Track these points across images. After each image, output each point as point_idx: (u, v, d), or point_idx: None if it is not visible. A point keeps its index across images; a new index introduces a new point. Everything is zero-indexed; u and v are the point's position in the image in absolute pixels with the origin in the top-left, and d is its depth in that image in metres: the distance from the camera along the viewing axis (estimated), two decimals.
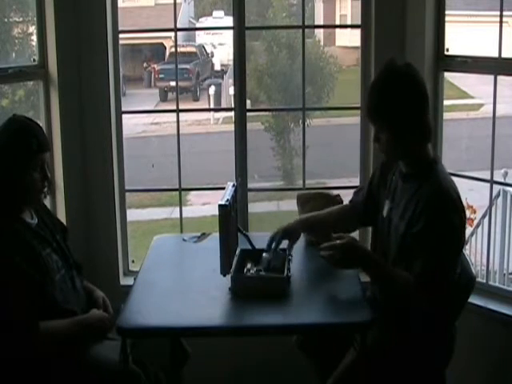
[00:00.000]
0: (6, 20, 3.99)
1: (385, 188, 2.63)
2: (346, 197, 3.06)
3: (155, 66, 15.38)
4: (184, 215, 3.68)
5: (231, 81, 6.14)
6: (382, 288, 2.50)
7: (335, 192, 3.11)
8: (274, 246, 2.69)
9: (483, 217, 5.20)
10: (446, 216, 2.34)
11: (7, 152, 2.44)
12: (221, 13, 15.22)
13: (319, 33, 13.05)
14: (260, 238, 3.21)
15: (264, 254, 2.66)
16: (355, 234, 3.03)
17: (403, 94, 2.41)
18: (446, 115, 3.39)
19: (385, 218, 2.57)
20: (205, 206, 8.95)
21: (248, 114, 3.49)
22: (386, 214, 2.56)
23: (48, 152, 2.56)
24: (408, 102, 2.40)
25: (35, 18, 3.36)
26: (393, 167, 2.61)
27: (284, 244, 2.73)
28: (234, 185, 2.68)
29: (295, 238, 2.77)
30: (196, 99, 14.78)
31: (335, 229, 2.72)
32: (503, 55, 3.08)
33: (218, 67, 15.91)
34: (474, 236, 5.51)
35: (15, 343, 2.31)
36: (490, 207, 3.66)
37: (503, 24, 3.08)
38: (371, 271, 2.45)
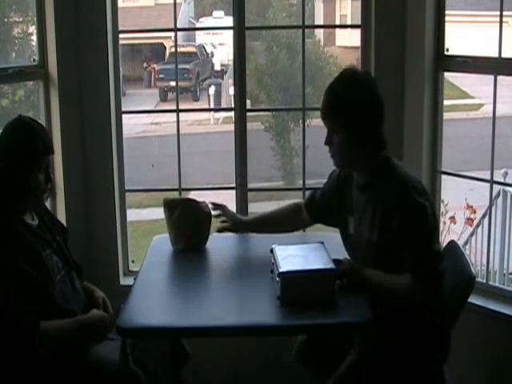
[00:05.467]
0: (6, 20, 3.99)
1: (342, 201, 2.64)
2: None
3: (155, 66, 15.36)
4: None
5: (231, 81, 6.13)
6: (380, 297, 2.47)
7: (202, 199, 3.06)
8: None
9: (483, 217, 5.20)
10: (414, 202, 2.35)
11: (13, 152, 2.44)
12: (221, 13, 15.21)
13: (319, 33, 13.03)
14: (260, 238, 3.21)
15: None
16: None
17: (360, 97, 2.43)
18: (446, 115, 3.39)
19: (352, 235, 2.58)
20: None
21: (248, 114, 3.49)
22: (354, 230, 2.57)
23: (52, 154, 2.56)
24: (364, 108, 2.42)
25: (35, 18, 3.36)
26: (348, 181, 2.61)
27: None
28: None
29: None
30: (196, 99, 14.77)
31: (283, 228, 2.89)
32: (503, 55, 3.08)
33: (218, 67, 15.89)
34: (474, 236, 5.51)
35: (16, 343, 2.31)
36: (490, 207, 3.66)
37: (503, 24, 3.08)
38: (372, 288, 2.45)
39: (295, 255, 2.53)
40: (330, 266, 2.42)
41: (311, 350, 2.75)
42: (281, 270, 2.40)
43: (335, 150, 2.49)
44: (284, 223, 2.92)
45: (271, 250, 2.59)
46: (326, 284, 2.40)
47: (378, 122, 2.46)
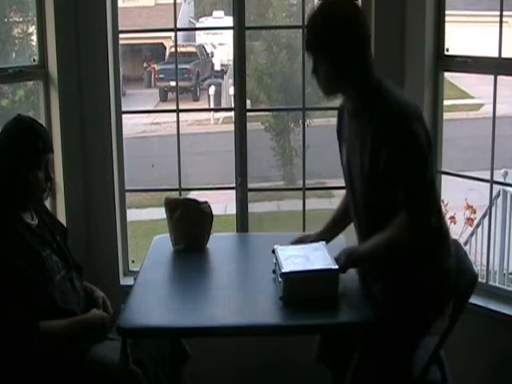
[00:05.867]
0: (5, 20, 3.99)
1: (341, 136, 2.59)
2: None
3: (155, 66, 15.39)
4: None
5: (231, 81, 6.15)
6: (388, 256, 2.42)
7: (203, 199, 3.04)
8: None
9: (483, 217, 5.20)
10: (405, 129, 2.28)
11: (13, 151, 2.45)
12: (221, 13, 15.23)
13: None
14: (260, 238, 3.21)
15: None
16: None
17: (339, 29, 2.36)
18: (446, 115, 3.39)
19: (345, 165, 2.53)
20: None
21: (248, 113, 3.49)
22: (345, 159, 2.52)
23: (52, 153, 2.57)
24: (344, 39, 2.36)
25: (35, 18, 3.36)
26: (343, 112, 2.56)
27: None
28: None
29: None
30: (196, 99, 14.79)
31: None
32: (503, 55, 3.08)
33: (218, 67, 15.92)
34: (474, 236, 5.51)
35: (16, 343, 2.31)
36: (490, 207, 3.66)
37: (503, 24, 3.08)
38: (373, 257, 2.42)
39: (297, 255, 2.53)
40: (333, 265, 2.42)
41: (329, 351, 2.73)
42: (283, 271, 2.40)
43: (321, 80, 2.45)
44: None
45: (273, 251, 2.58)
46: (329, 284, 2.40)
47: (362, 49, 2.40)
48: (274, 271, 2.57)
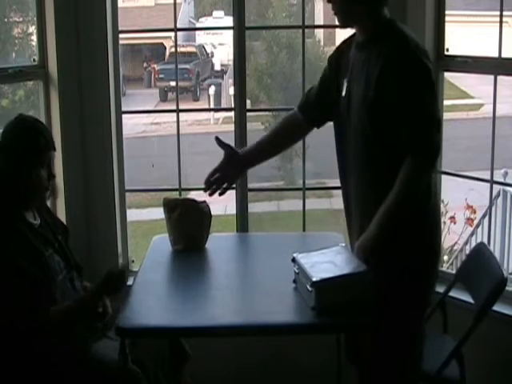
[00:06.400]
0: (5, 20, 3.99)
1: (340, 70, 2.55)
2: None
3: (155, 66, 15.42)
4: None
5: (231, 81, 6.14)
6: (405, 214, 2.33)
7: (201, 199, 3.03)
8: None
9: (483, 217, 5.20)
10: (416, 59, 2.27)
11: (16, 150, 2.46)
12: (221, 13, 15.26)
13: (319, 33, 13.06)
14: (260, 238, 3.21)
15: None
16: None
17: None
18: (446, 115, 3.38)
19: (344, 98, 2.48)
20: None
21: (248, 113, 3.49)
22: (345, 91, 2.48)
23: (54, 151, 2.57)
24: None
25: (35, 18, 3.36)
26: (346, 50, 2.54)
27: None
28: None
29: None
30: (196, 99, 14.81)
31: (285, 146, 2.77)
32: (503, 55, 3.08)
33: (218, 67, 15.94)
34: (474, 236, 5.51)
35: (15, 343, 2.31)
36: (490, 207, 3.66)
37: (503, 24, 3.08)
38: (386, 232, 2.32)
39: (321, 262, 2.42)
40: (363, 268, 2.32)
41: (352, 349, 2.70)
42: (314, 280, 2.29)
43: (337, 6, 2.42)
44: (284, 141, 2.77)
45: (293, 260, 2.49)
46: (362, 286, 2.30)
47: None
48: (294, 281, 2.49)
